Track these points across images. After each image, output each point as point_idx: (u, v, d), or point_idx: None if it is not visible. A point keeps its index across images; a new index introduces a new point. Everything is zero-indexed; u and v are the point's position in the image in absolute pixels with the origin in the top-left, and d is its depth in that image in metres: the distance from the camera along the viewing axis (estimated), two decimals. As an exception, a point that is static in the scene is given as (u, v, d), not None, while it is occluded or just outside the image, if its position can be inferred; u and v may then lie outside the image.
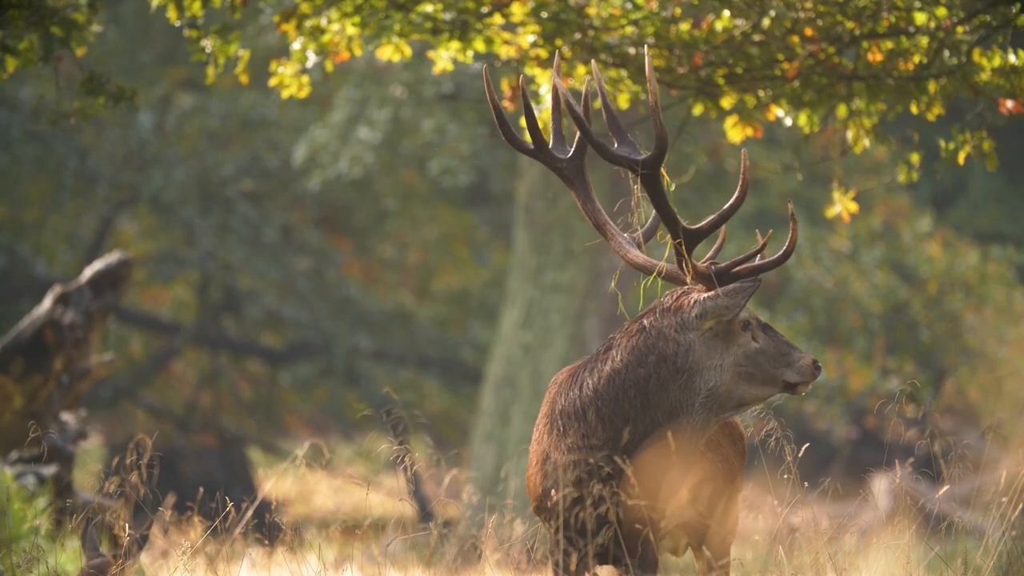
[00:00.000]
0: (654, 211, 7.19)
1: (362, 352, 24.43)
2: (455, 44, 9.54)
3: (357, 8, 9.52)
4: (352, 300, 24.38)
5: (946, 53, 9.19)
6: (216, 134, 23.98)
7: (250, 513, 8.71)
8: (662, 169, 6.97)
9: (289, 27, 9.61)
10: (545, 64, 9.46)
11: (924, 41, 9.20)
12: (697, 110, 9.57)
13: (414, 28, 9.49)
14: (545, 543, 7.18)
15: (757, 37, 9.26)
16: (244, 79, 9.79)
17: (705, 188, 22.34)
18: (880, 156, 22.66)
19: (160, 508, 8.60)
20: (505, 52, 9.52)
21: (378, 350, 24.64)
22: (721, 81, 9.41)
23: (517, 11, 9.41)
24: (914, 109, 9.39)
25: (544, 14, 9.37)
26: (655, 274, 7.10)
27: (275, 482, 20.77)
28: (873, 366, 22.99)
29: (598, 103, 9.53)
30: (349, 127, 21.31)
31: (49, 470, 12.03)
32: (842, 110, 9.52)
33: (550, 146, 7.20)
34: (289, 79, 9.80)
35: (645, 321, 6.96)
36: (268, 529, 8.55)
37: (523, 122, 7.84)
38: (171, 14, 9.59)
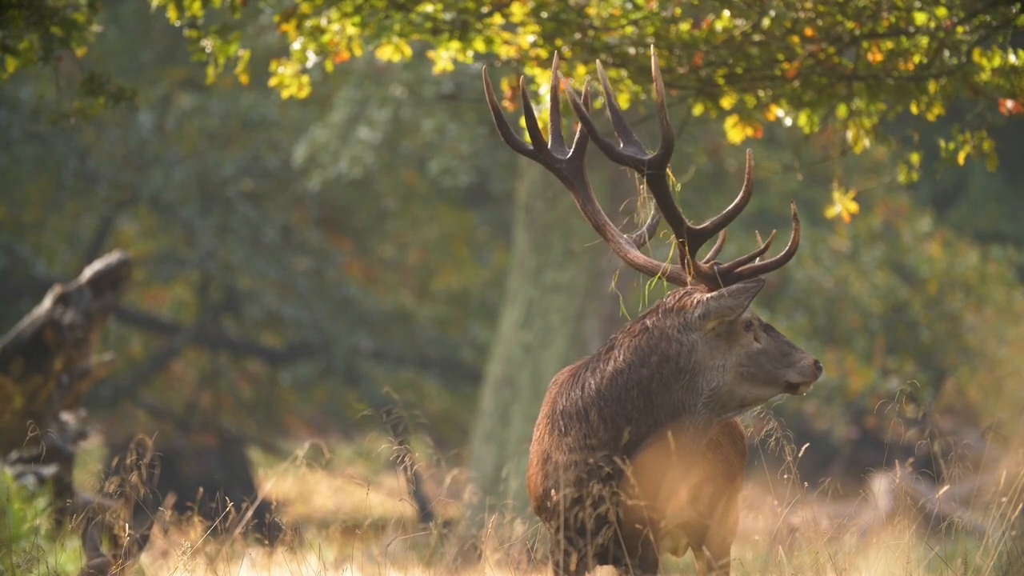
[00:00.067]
0: (652, 211, 7.19)
1: (362, 352, 24.43)
2: (455, 44, 9.54)
3: (357, 8, 9.52)
4: (352, 300, 24.38)
5: (946, 53, 9.19)
6: (216, 134, 23.98)
7: (250, 513, 8.71)
8: (668, 169, 6.98)
9: (289, 27, 9.61)
10: (545, 64, 9.46)
11: (924, 41, 9.20)
12: (697, 110, 9.57)
13: (414, 28, 9.49)
14: (545, 543, 7.18)
15: (757, 37, 9.26)
16: (244, 79, 9.79)
17: (705, 188, 22.35)
18: (880, 156, 22.66)
19: (160, 508, 8.60)
20: (505, 52, 9.52)
21: (378, 350, 24.64)
22: (721, 81, 9.41)
23: (517, 11, 9.41)
24: (914, 109, 9.39)
25: (544, 14, 9.37)
26: (659, 275, 7.10)
27: (275, 482, 20.78)
28: (873, 366, 22.99)
29: (598, 103, 9.54)
30: (349, 127, 21.31)
31: (49, 470, 12.03)
32: (842, 110, 9.51)
33: (549, 147, 7.20)
34: (289, 79, 9.80)
35: (648, 321, 6.96)
36: (268, 529, 8.55)
37: (523, 122, 7.84)
38: (171, 14, 9.58)
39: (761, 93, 9.48)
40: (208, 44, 9.64)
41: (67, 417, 12.59)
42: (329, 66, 9.77)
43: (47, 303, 12.67)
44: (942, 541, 8.84)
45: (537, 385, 17.86)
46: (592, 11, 9.36)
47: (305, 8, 9.57)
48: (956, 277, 23.52)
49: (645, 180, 6.98)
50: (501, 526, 8.31)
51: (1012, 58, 9.16)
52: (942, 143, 9.46)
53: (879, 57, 9.25)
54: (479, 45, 9.53)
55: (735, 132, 9.64)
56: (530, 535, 8.44)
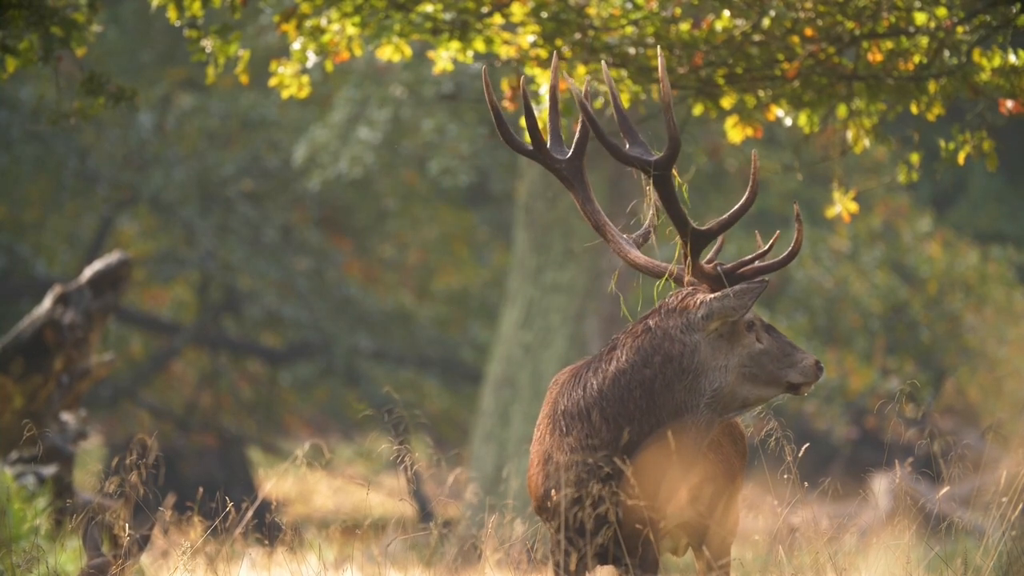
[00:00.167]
0: (652, 212, 7.19)
1: (362, 352, 24.43)
2: (455, 44, 9.54)
3: (357, 8, 9.52)
4: (352, 300, 24.38)
5: (946, 53, 9.19)
6: (216, 134, 23.98)
7: (250, 513, 8.71)
8: (673, 170, 6.98)
9: (289, 27, 9.61)
10: (545, 64, 9.46)
11: (924, 41, 9.20)
12: (697, 110, 9.57)
13: (414, 28, 9.49)
14: (545, 543, 7.18)
15: (757, 37, 9.26)
16: (244, 79, 9.79)
17: (705, 188, 22.35)
18: (880, 156, 22.66)
19: (160, 508, 8.60)
20: (505, 52, 9.52)
21: (378, 350, 24.64)
22: (721, 81, 9.41)
23: (517, 11, 9.41)
24: (914, 109, 9.38)
25: (544, 14, 9.37)
26: (666, 277, 7.10)
27: (275, 482, 20.77)
28: (873, 366, 22.99)
29: (598, 103, 9.54)
30: (349, 127, 21.31)
31: (49, 470, 12.03)
32: (842, 110, 9.51)
33: (549, 147, 7.19)
34: (289, 79, 9.80)
35: (650, 322, 6.95)
36: (268, 529, 8.55)
37: (523, 122, 7.84)
38: (171, 14, 9.58)
39: (761, 93, 9.48)
40: (208, 44, 9.64)
41: (67, 417, 12.59)
42: (329, 66, 9.77)
43: (47, 303, 12.67)
44: (942, 541, 8.84)
45: (537, 385, 17.86)
46: (592, 11, 9.36)
47: (305, 8, 9.57)
48: (956, 277, 23.52)
49: (651, 181, 6.98)
50: (501, 526, 8.31)
51: (1012, 58, 9.16)
52: (942, 143, 9.46)
53: (879, 57, 9.25)
54: (479, 45, 9.53)
55: (735, 132, 9.64)
56: (530, 535, 8.43)
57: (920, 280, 23.55)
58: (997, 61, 9.18)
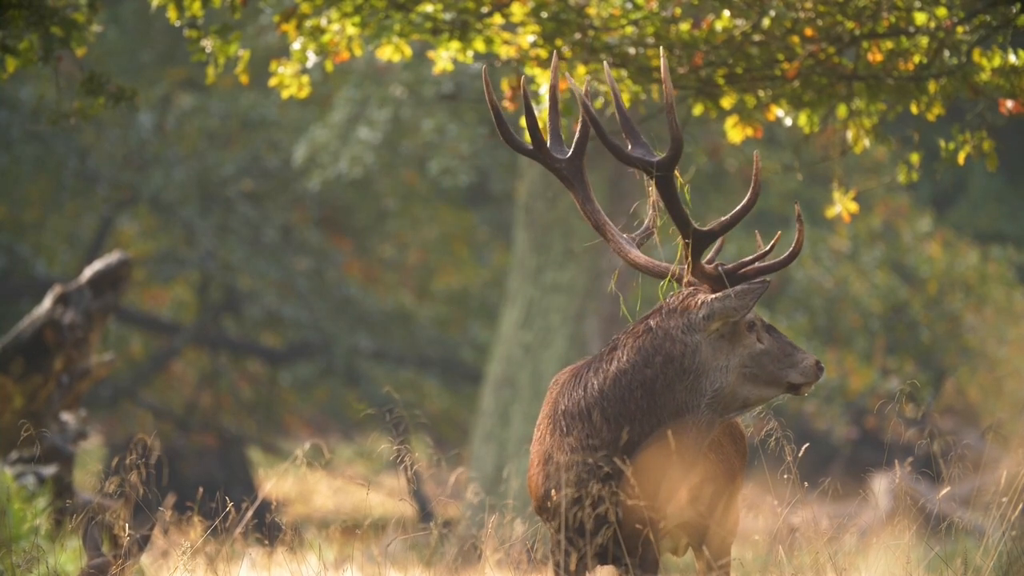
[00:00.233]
0: (651, 212, 7.19)
1: (362, 352, 24.42)
2: (455, 44, 9.54)
3: (357, 8, 9.52)
4: (352, 300, 24.38)
5: (946, 53, 9.19)
6: (216, 134, 23.97)
7: (250, 513, 8.71)
8: (676, 171, 6.98)
9: (289, 27, 9.61)
10: (545, 64, 9.46)
11: (924, 41, 9.20)
12: (697, 110, 9.57)
13: (414, 28, 9.49)
14: (545, 543, 7.18)
15: (757, 37, 9.26)
16: (244, 79, 9.79)
17: (705, 188, 22.34)
18: (880, 156, 22.66)
19: (160, 508, 8.60)
20: (505, 52, 9.51)
21: (378, 350, 24.64)
22: (721, 81, 9.40)
23: (517, 11, 9.41)
24: (914, 109, 9.38)
25: (544, 14, 9.37)
26: (668, 278, 7.10)
27: (275, 482, 20.77)
28: (873, 366, 22.99)
29: (598, 103, 9.53)
30: (349, 127, 21.31)
31: (49, 470, 12.03)
32: (842, 110, 9.51)
33: (549, 146, 7.19)
34: (289, 79, 9.80)
35: (651, 322, 6.95)
36: (268, 529, 8.55)
37: (523, 122, 7.84)
38: (171, 14, 9.58)
39: (761, 93, 9.47)
40: (208, 44, 9.64)
41: (67, 417, 12.59)
42: (329, 66, 9.77)
43: (47, 303, 12.67)
44: (942, 541, 8.84)
45: (537, 385, 17.86)
46: (592, 11, 9.35)
47: (305, 8, 9.57)
48: (956, 277, 23.52)
49: (654, 182, 6.98)
50: (501, 526, 8.31)
51: (1012, 58, 9.16)
52: (942, 143, 9.46)
53: (879, 57, 9.25)
54: (479, 45, 9.53)
55: (735, 132, 9.64)
56: (530, 535, 8.43)
57: (920, 280, 23.55)
58: (997, 61, 9.18)
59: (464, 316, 25.01)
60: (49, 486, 11.92)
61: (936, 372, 23.67)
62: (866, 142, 9.55)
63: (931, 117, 9.38)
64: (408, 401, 22.94)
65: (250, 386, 25.36)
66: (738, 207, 6.92)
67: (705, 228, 6.96)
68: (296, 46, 9.65)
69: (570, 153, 7.17)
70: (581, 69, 9.41)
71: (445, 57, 9.60)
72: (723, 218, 6.95)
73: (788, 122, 9.60)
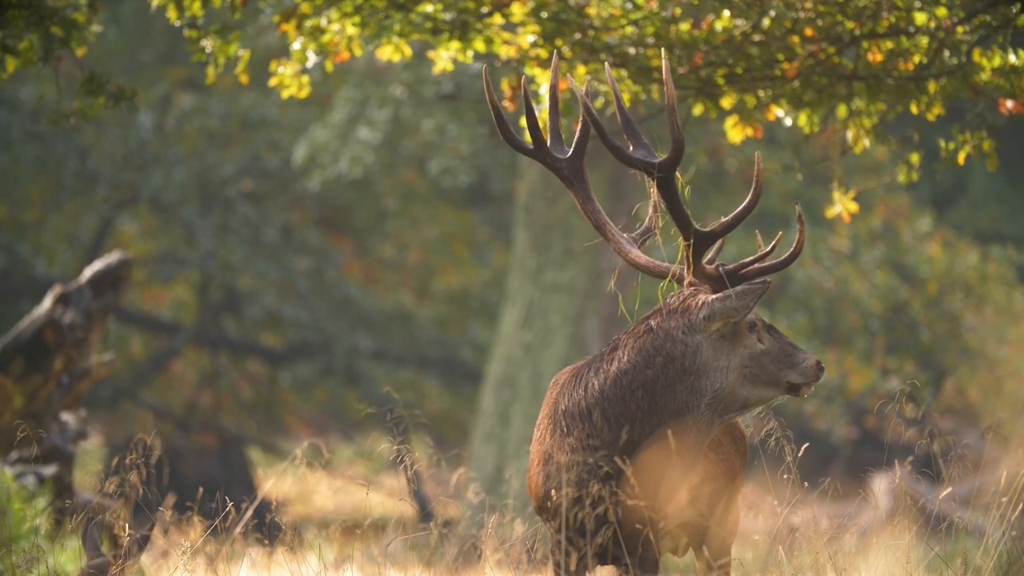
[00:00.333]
0: (651, 212, 7.19)
1: (362, 352, 24.43)
2: (455, 44, 9.54)
3: (357, 8, 9.52)
4: (352, 300, 24.38)
5: (946, 53, 9.19)
6: (216, 134, 23.97)
7: (250, 513, 8.71)
8: (677, 172, 6.98)
9: (289, 27, 9.61)
10: (545, 64, 9.46)
11: (924, 41, 9.20)
12: (697, 110, 9.57)
13: (414, 28, 9.49)
14: (545, 543, 7.18)
15: (757, 37, 9.26)
16: (244, 79, 9.79)
17: (705, 188, 22.35)
18: (880, 156, 22.66)
19: (160, 508, 8.60)
20: (505, 52, 9.51)
21: (378, 350, 24.64)
22: (721, 81, 9.40)
23: (517, 11, 9.41)
24: (914, 109, 9.38)
25: (544, 14, 9.37)
26: (669, 278, 7.09)
27: (275, 482, 20.77)
28: (873, 366, 22.99)
29: (598, 103, 9.53)
30: (349, 127, 21.31)
31: (49, 470, 12.03)
32: (842, 110, 9.51)
33: (549, 146, 7.19)
34: (289, 79, 9.80)
35: (652, 322, 6.95)
36: (268, 529, 8.55)
37: (523, 122, 7.84)
38: (171, 14, 9.58)
39: (761, 93, 9.47)
40: (208, 44, 9.64)
41: (67, 417, 12.59)
42: (329, 66, 9.77)
43: (47, 303, 12.67)
44: (942, 541, 8.84)
45: (537, 385, 17.86)
46: (592, 11, 9.35)
47: (305, 8, 9.57)
48: (956, 277, 23.52)
49: (655, 183, 6.97)
50: (501, 526, 8.31)
51: (1012, 58, 9.16)
52: (942, 143, 9.46)
53: (879, 57, 9.25)
54: (479, 45, 9.53)
55: (735, 132, 9.64)
56: (530, 535, 8.43)
57: (920, 280, 23.56)
58: (997, 61, 9.18)
59: (464, 316, 25.01)
60: (49, 486, 11.92)
61: (936, 372, 23.67)
62: (866, 142, 9.55)
63: (931, 117, 9.38)
64: (408, 401, 22.93)
65: (250, 386, 25.36)
66: (739, 208, 6.92)
67: (706, 229, 6.96)
68: (296, 46, 9.65)
69: (570, 153, 7.17)
70: (581, 69, 9.41)
71: (445, 57, 9.60)
72: (724, 219, 6.95)
73: (788, 122, 9.60)
